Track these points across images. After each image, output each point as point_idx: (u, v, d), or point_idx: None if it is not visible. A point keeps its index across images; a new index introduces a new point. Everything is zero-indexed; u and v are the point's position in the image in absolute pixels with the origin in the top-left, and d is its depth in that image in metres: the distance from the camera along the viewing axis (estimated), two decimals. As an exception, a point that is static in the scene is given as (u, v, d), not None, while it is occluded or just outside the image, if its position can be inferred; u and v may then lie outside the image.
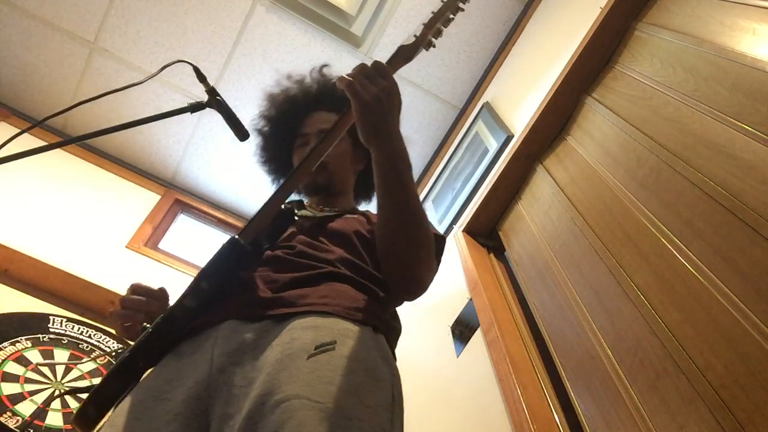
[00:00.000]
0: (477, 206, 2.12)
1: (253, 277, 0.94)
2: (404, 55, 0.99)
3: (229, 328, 0.85)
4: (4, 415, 1.76)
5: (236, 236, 0.93)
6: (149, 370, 0.87)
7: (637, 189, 1.39)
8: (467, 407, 1.61)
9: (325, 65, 1.39)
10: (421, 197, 2.97)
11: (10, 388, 1.86)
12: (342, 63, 2.88)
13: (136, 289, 0.98)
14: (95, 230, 2.57)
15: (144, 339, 0.86)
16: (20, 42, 2.80)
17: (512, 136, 2.18)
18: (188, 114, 1.13)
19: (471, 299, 1.83)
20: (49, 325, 2.12)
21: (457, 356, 1.79)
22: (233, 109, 1.23)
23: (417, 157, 3.12)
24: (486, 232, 2.14)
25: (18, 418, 1.78)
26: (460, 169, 2.56)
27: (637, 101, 1.59)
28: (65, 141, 1.06)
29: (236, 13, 2.76)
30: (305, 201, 1.28)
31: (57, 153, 2.74)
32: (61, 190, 2.66)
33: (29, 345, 2.01)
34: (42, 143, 1.01)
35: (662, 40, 1.63)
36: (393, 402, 0.80)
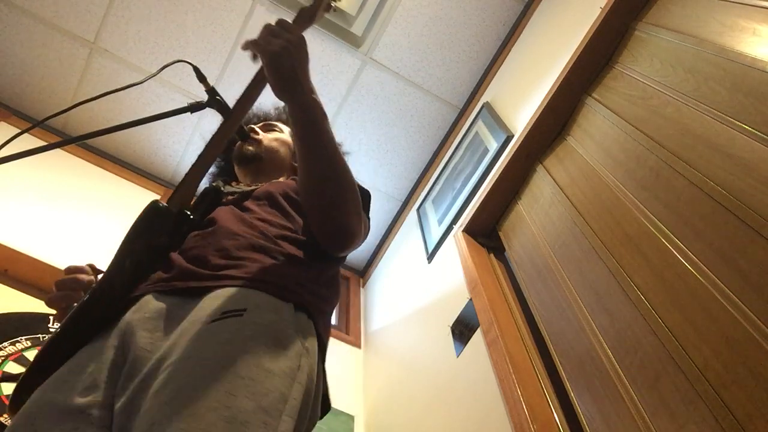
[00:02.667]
0: (477, 206, 2.11)
1: (178, 252, 0.92)
2: (307, 15, 1.02)
3: (147, 299, 0.85)
4: (4, 415, 1.76)
5: (157, 201, 0.91)
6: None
7: (637, 189, 1.39)
8: (467, 407, 1.61)
9: None
10: (421, 197, 2.97)
11: (10, 388, 1.85)
12: (342, 63, 2.88)
13: (67, 270, 0.97)
14: (95, 230, 2.57)
15: (69, 319, 0.84)
16: (20, 42, 2.80)
17: (512, 136, 2.18)
18: (188, 114, 1.13)
19: (471, 299, 1.83)
20: (49, 325, 2.12)
21: (457, 356, 1.79)
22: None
23: (417, 157, 3.12)
24: (486, 232, 2.14)
25: (18, 418, 1.78)
26: (460, 169, 2.55)
27: (637, 101, 1.59)
28: (65, 141, 1.06)
29: (236, 13, 2.76)
30: (234, 182, 1.28)
31: (57, 153, 2.74)
32: (61, 190, 2.66)
33: (29, 345, 2.01)
34: (42, 143, 1.00)
35: (662, 40, 1.63)
36: (298, 370, 0.76)
